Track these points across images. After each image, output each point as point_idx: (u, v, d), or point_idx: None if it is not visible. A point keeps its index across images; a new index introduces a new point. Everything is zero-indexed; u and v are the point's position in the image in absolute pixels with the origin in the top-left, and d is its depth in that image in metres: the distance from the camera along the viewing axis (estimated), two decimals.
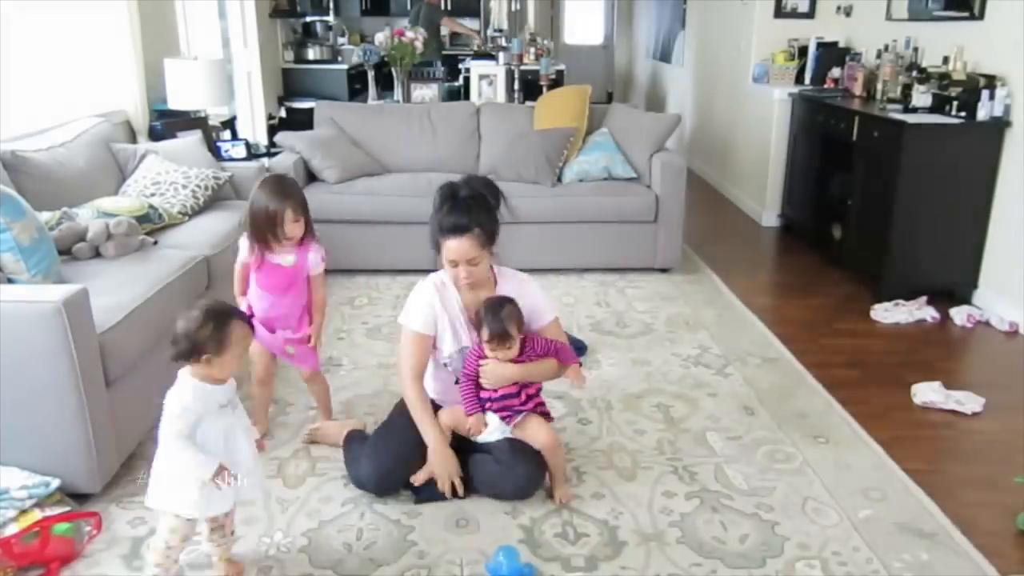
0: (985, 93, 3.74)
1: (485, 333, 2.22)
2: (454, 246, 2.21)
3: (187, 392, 1.81)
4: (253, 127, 6.29)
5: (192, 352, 1.80)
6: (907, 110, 4.07)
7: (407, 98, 6.19)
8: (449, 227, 2.20)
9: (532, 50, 7.00)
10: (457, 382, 2.35)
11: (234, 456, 1.86)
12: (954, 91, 3.91)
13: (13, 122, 3.41)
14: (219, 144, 4.56)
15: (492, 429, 2.30)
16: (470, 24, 9.32)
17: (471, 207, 2.22)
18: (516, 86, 5.98)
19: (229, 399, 1.89)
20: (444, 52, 8.22)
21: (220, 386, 1.86)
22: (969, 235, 3.94)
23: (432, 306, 2.33)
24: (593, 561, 2.08)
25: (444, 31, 8.61)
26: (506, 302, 2.25)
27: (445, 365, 2.40)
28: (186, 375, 1.84)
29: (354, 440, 2.50)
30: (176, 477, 1.82)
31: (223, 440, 1.85)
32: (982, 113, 3.76)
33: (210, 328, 1.80)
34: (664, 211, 4.26)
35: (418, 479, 2.28)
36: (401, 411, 2.42)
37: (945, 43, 4.08)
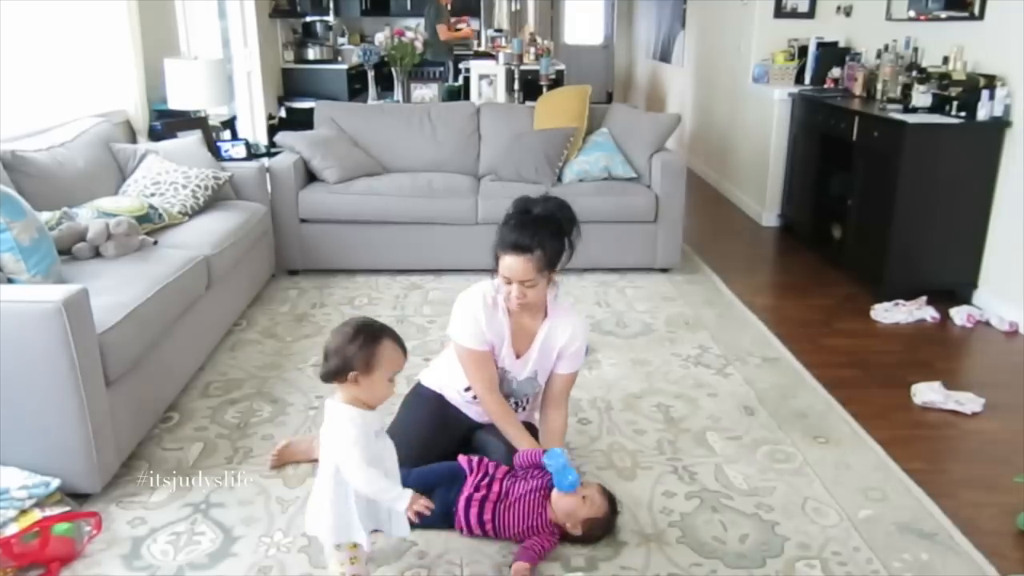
0: (985, 93, 3.74)
1: (586, 526, 2.09)
2: (511, 264, 2.11)
3: (354, 418, 1.75)
4: (253, 127, 6.29)
5: (341, 370, 1.73)
6: (907, 110, 4.07)
7: (407, 98, 6.19)
8: (510, 243, 2.10)
9: (532, 50, 7.00)
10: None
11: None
12: (954, 91, 3.91)
13: (13, 122, 3.41)
14: (219, 144, 4.57)
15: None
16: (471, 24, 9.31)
17: (538, 227, 2.12)
18: (516, 86, 5.97)
19: (382, 426, 1.84)
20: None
21: (373, 412, 1.80)
22: (969, 235, 3.93)
23: (479, 322, 2.22)
24: (593, 561, 2.08)
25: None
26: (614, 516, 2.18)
27: (475, 397, 2.32)
28: (339, 405, 1.77)
29: None
30: (348, 505, 1.77)
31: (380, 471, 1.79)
32: (982, 113, 3.76)
33: (359, 343, 1.73)
34: (664, 211, 4.26)
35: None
36: (409, 406, 2.42)
37: (945, 43, 4.08)
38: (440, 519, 2.08)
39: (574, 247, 2.24)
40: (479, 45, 8.91)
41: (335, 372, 1.75)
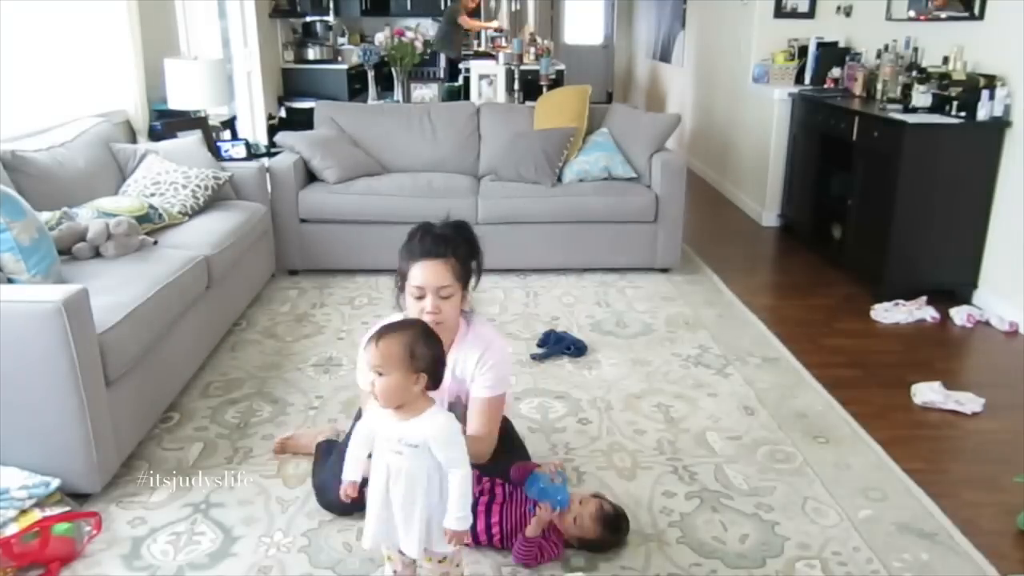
0: (985, 93, 3.74)
1: (582, 544, 2.09)
2: (424, 271, 1.96)
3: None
4: (253, 127, 6.29)
5: None
6: (907, 110, 4.07)
7: (407, 98, 6.20)
8: (420, 252, 1.98)
9: (532, 50, 7.01)
10: None
11: (390, 507, 1.69)
12: (954, 91, 3.90)
13: (13, 122, 3.41)
14: (219, 144, 4.57)
15: None
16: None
17: (448, 238, 2.02)
18: (516, 86, 5.98)
19: (390, 435, 1.65)
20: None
21: (387, 415, 1.66)
22: (969, 235, 3.93)
23: None
24: (593, 561, 2.08)
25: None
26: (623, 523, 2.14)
27: None
28: None
29: (322, 450, 2.43)
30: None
31: (383, 480, 1.68)
32: (982, 113, 3.76)
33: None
34: (664, 211, 4.26)
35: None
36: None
37: (945, 43, 4.08)
38: None
39: (480, 271, 2.13)
40: (479, 45, 8.92)
41: None
